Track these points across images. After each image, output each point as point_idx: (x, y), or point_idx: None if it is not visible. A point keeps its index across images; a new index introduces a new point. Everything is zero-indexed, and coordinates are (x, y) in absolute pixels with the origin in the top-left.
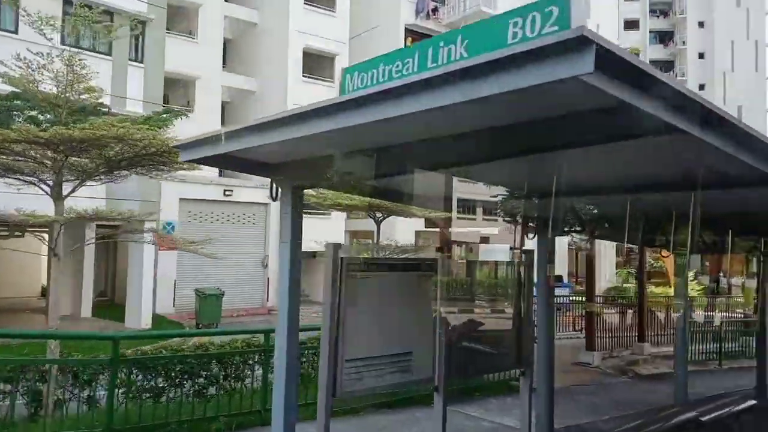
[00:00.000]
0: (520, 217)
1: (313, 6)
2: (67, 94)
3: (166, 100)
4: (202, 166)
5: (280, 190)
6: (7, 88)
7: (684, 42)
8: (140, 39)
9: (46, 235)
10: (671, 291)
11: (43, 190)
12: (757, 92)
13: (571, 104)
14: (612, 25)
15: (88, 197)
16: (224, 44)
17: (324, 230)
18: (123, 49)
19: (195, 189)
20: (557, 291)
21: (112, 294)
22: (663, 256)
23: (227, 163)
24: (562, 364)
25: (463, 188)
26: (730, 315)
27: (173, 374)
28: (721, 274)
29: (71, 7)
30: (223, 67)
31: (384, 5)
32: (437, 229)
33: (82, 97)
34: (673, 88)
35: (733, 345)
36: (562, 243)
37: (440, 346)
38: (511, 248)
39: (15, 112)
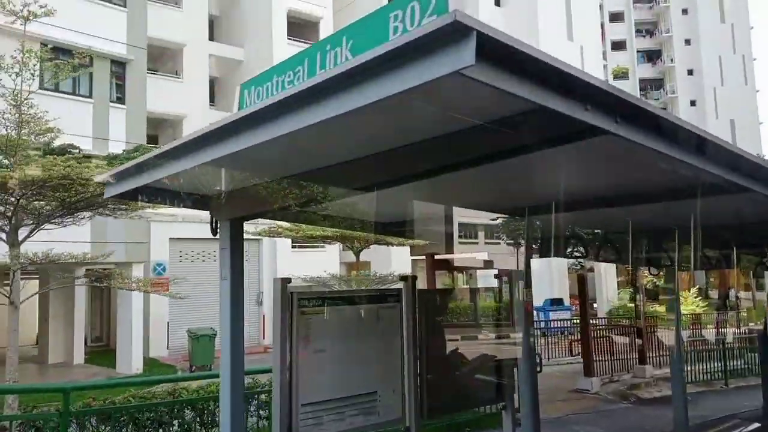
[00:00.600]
0: (504, 238)
1: None
2: (23, 137)
3: (155, 140)
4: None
5: (219, 223)
6: None
7: (672, 60)
8: (121, 80)
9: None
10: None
11: None
12: (748, 106)
13: (483, 108)
14: (597, 47)
15: (72, 241)
16: (210, 20)
17: (318, 263)
18: (104, 90)
19: (184, 228)
20: (558, 314)
21: (107, 339)
22: (652, 274)
23: (159, 197)
24: (560, 392)
25: (432, 211)
26: (737, 331)
27: (142, 424)
28: (731, 290)
29: (51, 52)
30: (210, 38)
31: None
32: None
33: (41, 138)
34: (579, 79)
35: (740, 362)
36: (561, 265)
37: (410, 384)
38: (495, 275)
39: None
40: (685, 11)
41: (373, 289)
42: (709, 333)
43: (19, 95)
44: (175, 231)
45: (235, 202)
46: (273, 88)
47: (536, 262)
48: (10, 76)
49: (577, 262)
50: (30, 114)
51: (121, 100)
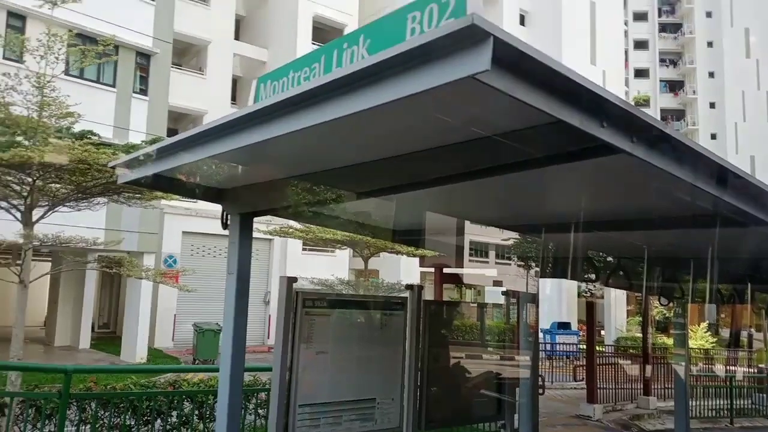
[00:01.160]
0: (515, 259)
1: None
2: (44, 119)
3: (174, 134)
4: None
5: (230, 218)
6: None
7: (695, 91)
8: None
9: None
10: (689, 343)
11: (13, 215)
12: None
13: (497, 119)
14: (620, 73)
15: (86, 227)
16: (237, 20)
17: (327, 267)
18: (127, 80)
19: (198, 222)
20: (564, 338)
21: (114, 326)
22: (662, 305)
23: (172, 186)
24: (561, 417)
25: (444, 224)
26: (747, 370)
27: (141, 412)
28: (743, 327)
29: (81, 40)
30: (236, 38)
31: None
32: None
33: (61, 122)
34: (596, 94)
35: (747, 402)
36: (572, 289)
37: (409, 393)
38: (503, 293)
39: None
40: (710, 44)
41: (379, 295)
42: (718, 370)
43: (42, 78)
44: (189, 225)
45: (247, 197)
46: (289, 83)
47: (546, 285)
48: (34, 58)
49: (587, 287)
50: (51, 97)
51: (143, 91)
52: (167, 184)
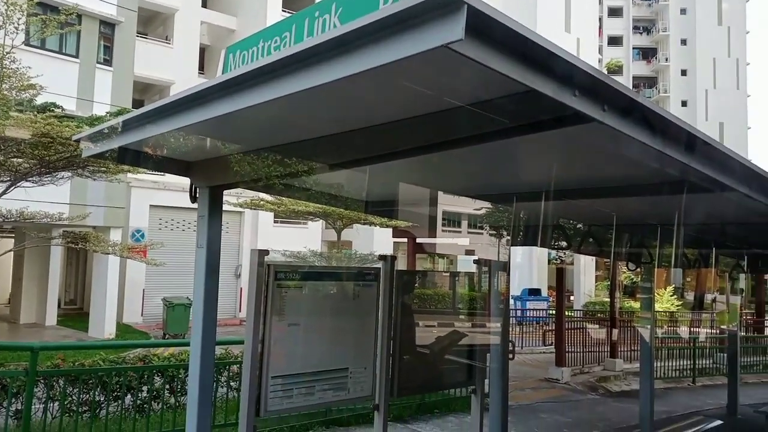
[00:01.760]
0: (487, 228)
1: None
2: (4, 92)
3: (141, 105)
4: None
5: (199, 190)
6: None
7: (667, 59)
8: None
9: None
10: (655, 306)
11: None
12: (738, 110)
13: (471, 88)
14: (594, 40)
15: (49, 202)
16: None
17: (299, 239)
18: (91, 50)
19: (166, 196)
20: (534, 304)
21: (81, 302)
22: (630, 270)
23: (139, 160)
24: (531, 380)
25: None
26: (709, 332)
27: (110, 387)
28: (708, 290)
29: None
30: (203, 5)
31: None
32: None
33: (22, 95)
34: (569, 63)
35: (709, 362)
36: (542, 256)
37: (382, 362)
38: (474, 261)
39: None
40: (683, 11)
41: (351, 266)
42: (682, 332)
43: (1, 49)
44: (157, 198)
45: (216, 170)
46: (259, 53)
47: (518, 253)
48: None
49: (557, 255)
50: (11, 69)
51: (108, 62)
52: (134, 158)
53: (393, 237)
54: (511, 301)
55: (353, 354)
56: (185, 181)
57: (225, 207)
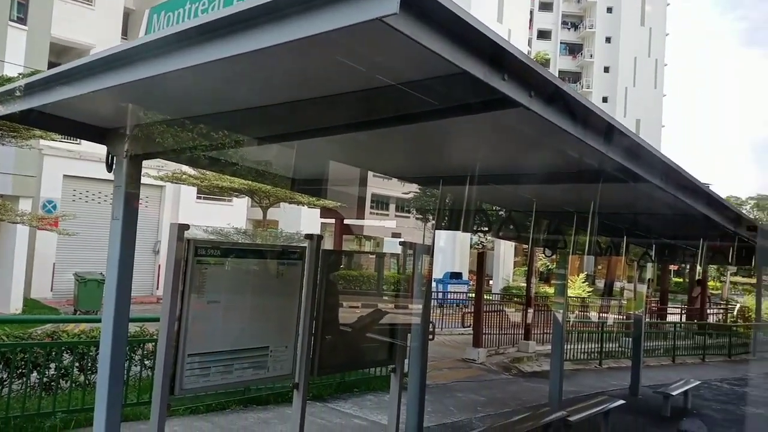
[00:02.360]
0: (414, 212)
1: None
2: None
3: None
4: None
5: (115, 160)
6: None
7: (591, 55)
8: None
9: None
10: (568, 292)
11: None
12: (654, 108)
13: (402, 66)
14: (524, 32)
15: None
16: None
17: (223, 216)
18: (3, 6)
19: (81, 165)
20: (456, 287)
21: None
22: (546, 256)
23: (51, 124)
24: (449, 360)
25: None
26: (616, 317)
27: (15, 364)
28: (617, 278)
29: None
30: None
31: None
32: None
33: None
34: (501, 47)
35: (615, 345)
36: (465, 241)
37: (303, 341)
38: (400, 243)
39: None
40: (610, 9)
41: (276, 244)
42: (592, 316)
43: None
44: (72, 168)
45: (135, 138)
46: (185, 15)
47: (442, 237)
48: None
49: (479, 240)
50: None
51: (22, 20)
52: (46, 121)
53: (321, 217)
54: (434, 284)
55: (275, 332)
56: (103, 151)
57: (145, 179)
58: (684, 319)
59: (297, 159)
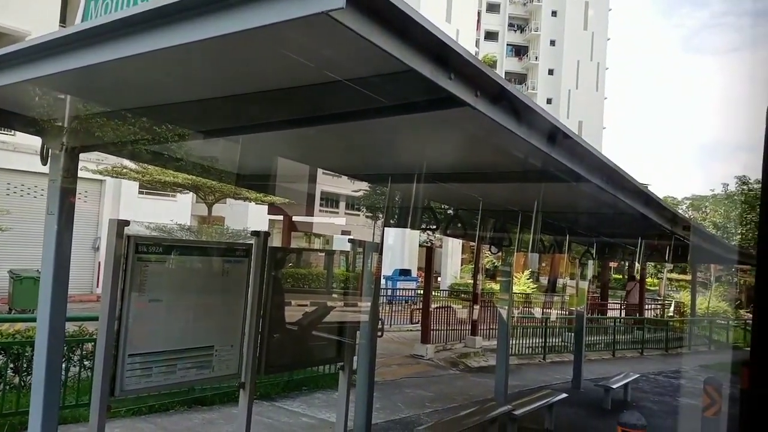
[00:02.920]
0: (364, 210)
1: None
2: None
3: None
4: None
5: (51, 152)
6: None
7: (537, 58)
8: None
9: None
10: (513, 288)
11: None
12: (595, 110)
13: (349, 63)
14: (472, 33)
15: None
16: None
17: (167, 213)
18: None
19: (12, 157)
20: (405, 284)
21: None
22: (492, 254)
23: None
24: (397, 357)
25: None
26: (559, 312)
27: None
28: (560, 275)
29: None
30: None
31: None
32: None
33: None
34: (448, 46)
35: (558, 340)
36: (414, 238)
37: (249, 340)
38: (349, 241)
39: None
40: (554, 13)
41: (221, 241)
42: (536, 312)
43: None
44: (6, 160)
45: (72, 130)
46: (124, 2)
47: (391, 235)
48: None
49: (428, 237)
50: None
51: None
52: None
53: (269, 214)
54: (383, 281)
55: (220, 331)
56: (37, 143)
57: (83, 174)
58: (622, 315)
59: (243, 154)
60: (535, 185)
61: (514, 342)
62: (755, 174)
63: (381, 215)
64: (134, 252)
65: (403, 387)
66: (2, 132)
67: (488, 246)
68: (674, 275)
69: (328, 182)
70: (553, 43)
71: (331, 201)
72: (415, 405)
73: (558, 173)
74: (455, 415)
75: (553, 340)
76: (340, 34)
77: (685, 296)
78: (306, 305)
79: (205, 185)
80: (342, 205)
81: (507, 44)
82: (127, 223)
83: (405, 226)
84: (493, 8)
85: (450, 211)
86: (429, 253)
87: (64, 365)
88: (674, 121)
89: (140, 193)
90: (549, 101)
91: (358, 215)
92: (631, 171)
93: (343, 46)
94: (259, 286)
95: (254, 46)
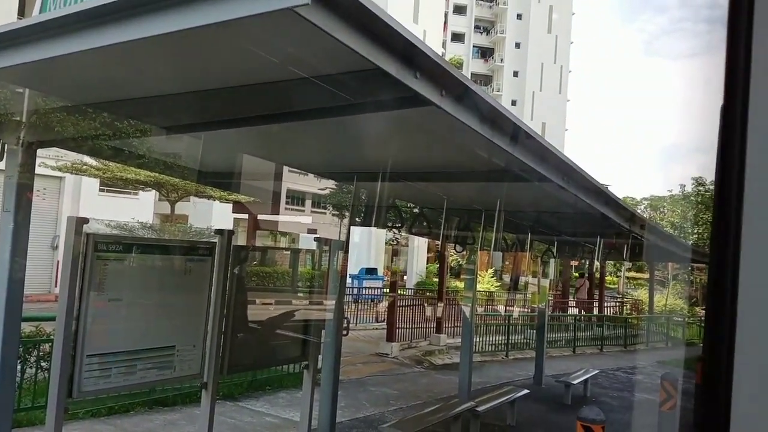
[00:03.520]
0: (330, 208)
1: None
2: None
3: None
4: None
5: (7, 147)
6: None
7: (502, 59)
8: None
9: None
10: (477, 286)
11: None
12: (558, 112)
13: (315, 61)
14: (439, 34)
15: None
16: None
17: (129, 210)
18: None
19: None
20: (371, 283)
21: None
22: (457, 252)
23: None
24: (363, 355)
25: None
26: (522, 310)
27: None
28: (522, 273)
29: None
30: None
31: None
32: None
33: None
34: (414, 45)
35: (521, 337)
36: (380, 237)
37: (212, 339)
38: (315, 239)
39: None
40: (519, 16)
41: (184, 240)
42: (499, 310)
43: None
44: None
45: (29, 125)
46: None
47: (357, 234)
48: None
49: (394, 236)
50: None
51: None
52: None
53: (233, 212)
54: (349, 280)
55: (181, 331)
56: None
57: (42, 170)
58: (571, 312)
59: (207, 151)
60: (498, 184)
61: (477, 339)
62: (711, 175)
63: (347, 213)
64: (93, 250)
65: (368, 385)
66: None
67: (453, 244)
68: (633, 273)
69: (294, 180)
70: (518, 45)
71: (297, 199)
72: (380, 403)
73: (521, 173)
74: (419, 413)
75: (516, 337)
76: (306, 31)
77: (643, 294)
78: (271, 304)
79: (168, 183)
80: (308, 203)
81: (473, 46)
82: (86, 220)
83: (371, 225)
84: (459, 10)
85: (416, 210)
86: (395, 253)
87: (19, 366)
88: (635, 124)
89: (101, 190)
90: (514, 103)
91: (325, 213)
92: (592, 172)
93: (309, 43)
94: (222, 285)
95: (219, 41)
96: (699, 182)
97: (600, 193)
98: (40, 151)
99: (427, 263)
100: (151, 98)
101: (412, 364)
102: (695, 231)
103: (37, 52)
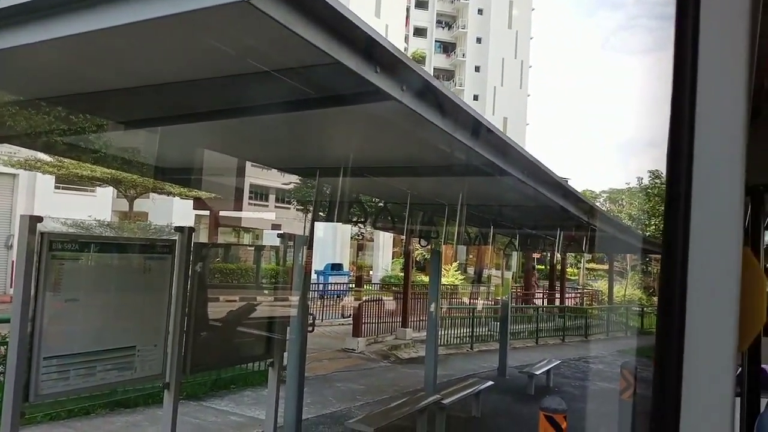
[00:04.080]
0: (294, 203)
1: None
2: None
3: None
4: None
5: None
6: None
7: (464, 54)
8: None
9: None
10: (441, 280)
11: None
12: (519, 107)
13: (275, 54)
14: (401, 29)
15: None
16: None
17: (86, 208)
18: None
19: None
20: (336, 279)
21: None
22: (422, 247)
23: None
24: (329, 351)
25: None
26: (485, 302)
27: None
28: (486, 266)
29: None
30: None
31: None
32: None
33: None
34: (372, 39)
35: (485, 329)
36: (345, 233)
37: (173, 339)
38: (279, 235)
39: None
40: (480, 11)
41: (142, 238)
42: (463, 303)
43: None
44: None
45: None
46: None
47: (322, 229)
48: None
49: (360, 231)
50: None
51: None
52: None
53: (194, 209)
54: (315, 276)
55: (142, 331)
56: None
57: None
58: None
59: (165, 146)
60: (461, 179)
61: (443, 333)
62: (665, 168)
63: (312, 208)
64: (48, 249)
65: (334, 381)
66: None
67: (417, 239)
68: (593, 265)
69: (257, 175)
70: (479, 40)
71: (260, 194)
72: (346, 398)
73: (483, 167)
74: (386, 407)
75: (480, 329)
76: (264, 24)
77: (602, 285)
78: (235, 301)
79: (126, 179)
80: (272, 198)
81: (435, 41)
82: (40, 219)
83: (334, 220)
84: (421, 5)
85: (380, 205)
86: (361, 248)
87: None
88: (594, 118)
89: (57, 187)
90: (476, 98)
91: (289, 209)
92: (552, 166)
93: (268, 36)
94: (183, 284)
95: (176, 33)
96: (655, 175)
97: (559, 186)
98: None
99: (393, 258)
100: (107, 92)
101: (378, 359)
102: (652, 222)
103: None
